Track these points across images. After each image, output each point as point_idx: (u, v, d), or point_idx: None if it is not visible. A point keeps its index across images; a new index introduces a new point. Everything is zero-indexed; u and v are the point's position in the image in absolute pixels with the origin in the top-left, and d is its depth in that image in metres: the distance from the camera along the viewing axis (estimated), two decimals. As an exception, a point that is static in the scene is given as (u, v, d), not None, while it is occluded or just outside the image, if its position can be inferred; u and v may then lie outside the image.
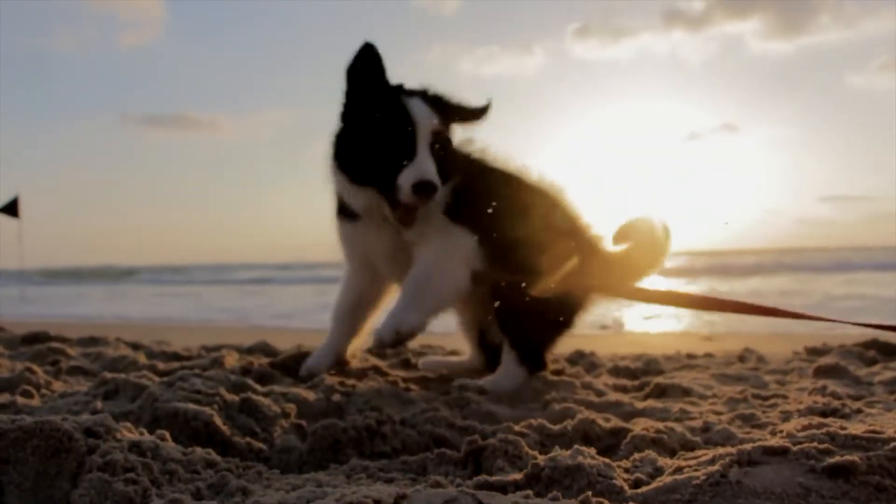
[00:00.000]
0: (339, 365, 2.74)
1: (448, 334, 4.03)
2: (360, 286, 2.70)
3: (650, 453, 1.55)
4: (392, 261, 2.51)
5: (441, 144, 2.31)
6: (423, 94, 2.37)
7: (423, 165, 2.21)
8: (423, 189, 2.19)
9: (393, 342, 2.28)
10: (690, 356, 3.70)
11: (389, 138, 2.25)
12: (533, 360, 2.54)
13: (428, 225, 2.36)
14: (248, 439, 1.83)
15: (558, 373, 2.82)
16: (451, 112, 2.40)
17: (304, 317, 9.57)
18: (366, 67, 2.31)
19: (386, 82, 2.34)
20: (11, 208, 12.66)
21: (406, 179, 2.20)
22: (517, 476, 1.36)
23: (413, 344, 3.83)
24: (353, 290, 2.71)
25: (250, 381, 2.30)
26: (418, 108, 2.29)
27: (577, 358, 3.29)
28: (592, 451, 1.42)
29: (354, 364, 2.83)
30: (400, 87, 2.37)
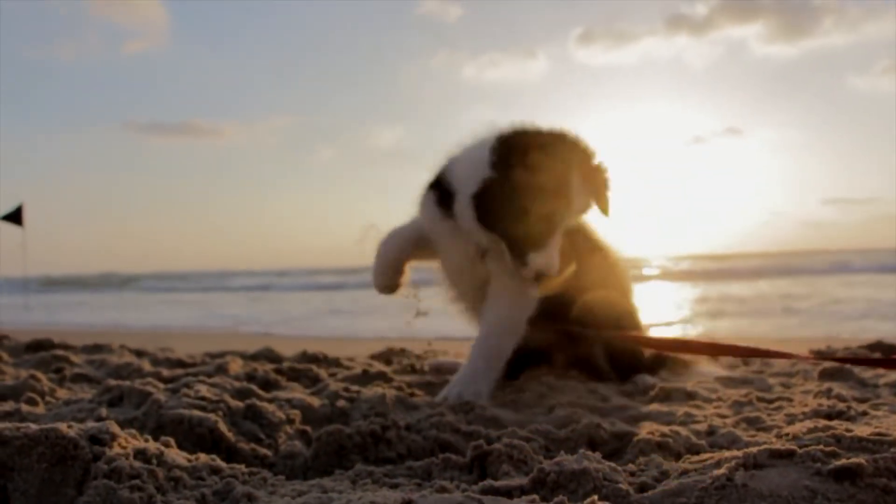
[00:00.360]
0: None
1: (448, 339, 4.04)
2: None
3: (655, 457, 1.55)
4: (459, 274, 2.71)
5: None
6: (583, 150, 2.45)
7: (552, 258, 2.36)
8: (545, 277, 2.37)
9: (458, 408, 2.24)
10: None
11: (535, 218, 2.34)
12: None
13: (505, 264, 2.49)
14: (252, 445, 1.83)
15: (563, 378, 2.81)
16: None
17: (307, 323, 9.58)
18: (518, 151, 2.37)
19: (544, 151, 2.37)
20: (16, 216, 12.68)
21: (534, 263, 2.34)
22: (523, 481, 1.36)
23: (417, 349, 3.83)
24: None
25: (255, 388, 2.31)
26: (569, 187, 2.37)
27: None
28: (598, 455, 1.42)
29: (357, 369, 2.83)
30: (557, 157, 2.40)
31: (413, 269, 2.80)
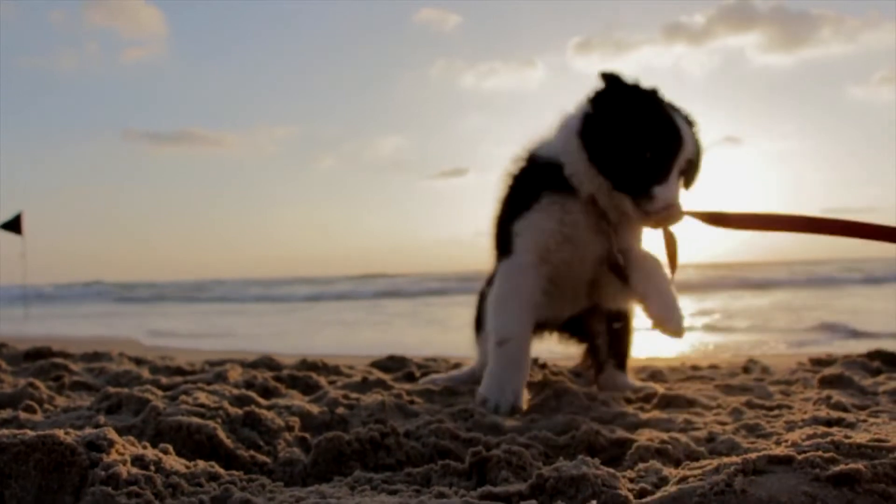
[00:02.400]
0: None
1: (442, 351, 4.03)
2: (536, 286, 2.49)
3: (654, 463, 1.54)
4: (585, 264, 2.49)
5: (684, 173, 2.37)
6: (684, 116, 2.38)
7: (677, 191, 2.28)
8: (672, 212, 2.29)
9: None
10: (695, 367, 3.69)
11: (654, 151, 2.26)
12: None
13: (635, 243, 2.46)
14: (251, 452, 1.83)
15: (563, 385, 2.81)
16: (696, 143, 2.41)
17: (307, 332, 9.57)
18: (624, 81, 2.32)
19: (652, 92, 2.34)
20: (15, 225, 12.70)
21: (662, 196, 2.25)
22: (521, 487, 1.36)
23: (417, 358, 3.83)
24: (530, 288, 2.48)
25: (254, 395, 2.30)
26: (685, 131, 2.31)
27: (582, 370, 3.28)
28: (597, 461, 1.42)
29: (357, 376, 2.82)
30: (665, 101, 2.36)
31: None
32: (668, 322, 2.27)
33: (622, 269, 2.41)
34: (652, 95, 2.34)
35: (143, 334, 9.29)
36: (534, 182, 2.48)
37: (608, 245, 2.43)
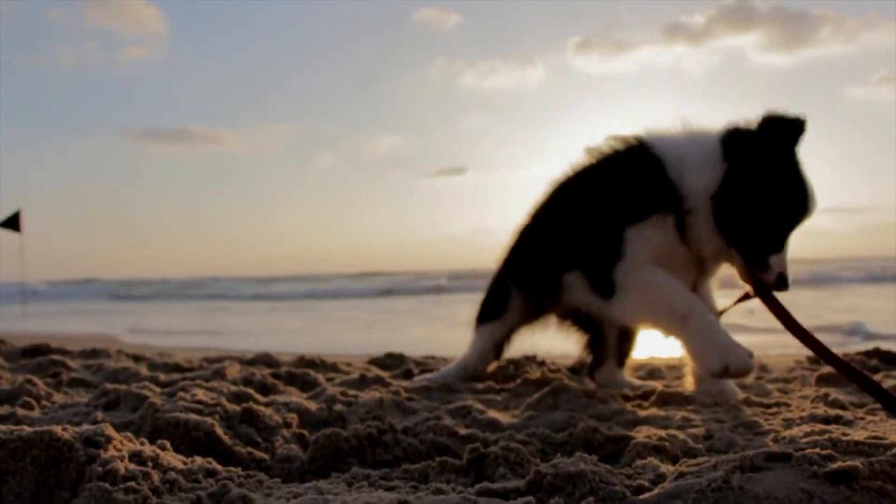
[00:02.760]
0: None
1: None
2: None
3: (652, 460, 1.54)
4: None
5: None
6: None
7: (786, 262, 2.23)
8: (782, 285, 2.23)
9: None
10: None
11: (784, 222, 2.22)
12: None
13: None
14: (249, 449, 1.83)
15: (561, 382, 2.81)
16: None
17: (307, 330, 9.57)
18: (787, 137, 2.24)
19: (795, 157, 2.26)
20: (13, 222, 12.70)
21: (777, 265, 2.21)
22: (519, 483, 1.36)
23: (416, 355, 3.83)
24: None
25: (252, 392, 2.30)
26: (814, 200, 2.24)
27: (580, 368, 3.29)
28: (594, 458, 1.42)
29: (355, 374, 2.82)
30: (800, 165, 2.26)
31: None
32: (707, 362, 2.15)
33: None
34: (793, 154, 2.24)
35: (123, 332, 9.29)
36: (652, 191, 2.36)
37: (692, 282, 2.43)
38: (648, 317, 2.37)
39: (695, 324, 2.19)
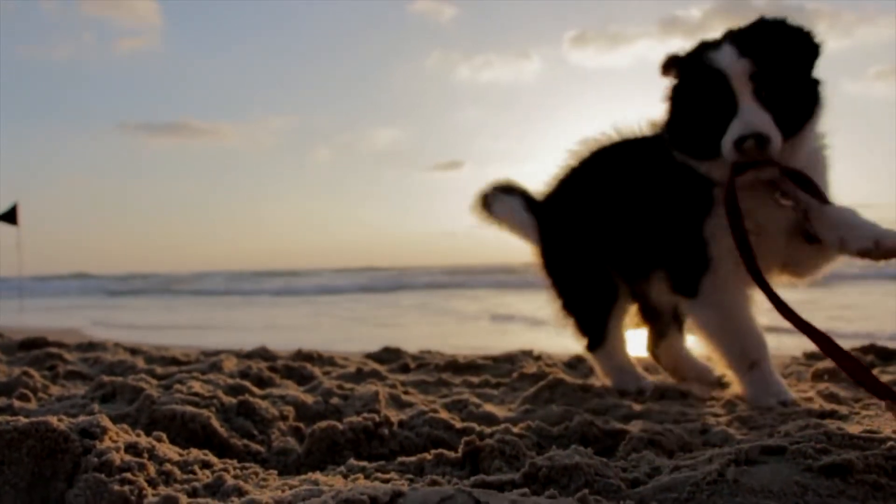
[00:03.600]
0: None
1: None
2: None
3: (648, 454, 1.55)
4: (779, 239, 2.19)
5: (772, 86, 2.01)
6: (733, 37, 2.07)
7: (745, 117, 1.95)
8: (745, 142, 1.93)
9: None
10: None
11: (705, 103, 2.04)
12: None
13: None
14: (245, 441, 1.83)
15: (557, 376, 2.82)
16: (775, 45, 2.04)
17: (303, 324, 9.56)
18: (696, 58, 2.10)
19: (698, 55, 2.10)
20: (10, 216, 12.67)
21: (726, 140, 1.97)
22: (514, 475, 1.36)
23: (413, 349, 3.83)
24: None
25: (248, 384, 2.30)
26: (724, 57, 2.02)
27: (576, 362, 3.29)
28: (590, 451, 1.42)
29: (351, 367, 2.82)
30: (704, 45, 2.11)
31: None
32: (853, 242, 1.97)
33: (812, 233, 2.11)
34: (689, 62, 2.14)
35: (88, 324, 9.30)
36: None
37: (793, 213, 2.12)
38: (717, 343, 2.30)
39: (759, 372, 2.24)
